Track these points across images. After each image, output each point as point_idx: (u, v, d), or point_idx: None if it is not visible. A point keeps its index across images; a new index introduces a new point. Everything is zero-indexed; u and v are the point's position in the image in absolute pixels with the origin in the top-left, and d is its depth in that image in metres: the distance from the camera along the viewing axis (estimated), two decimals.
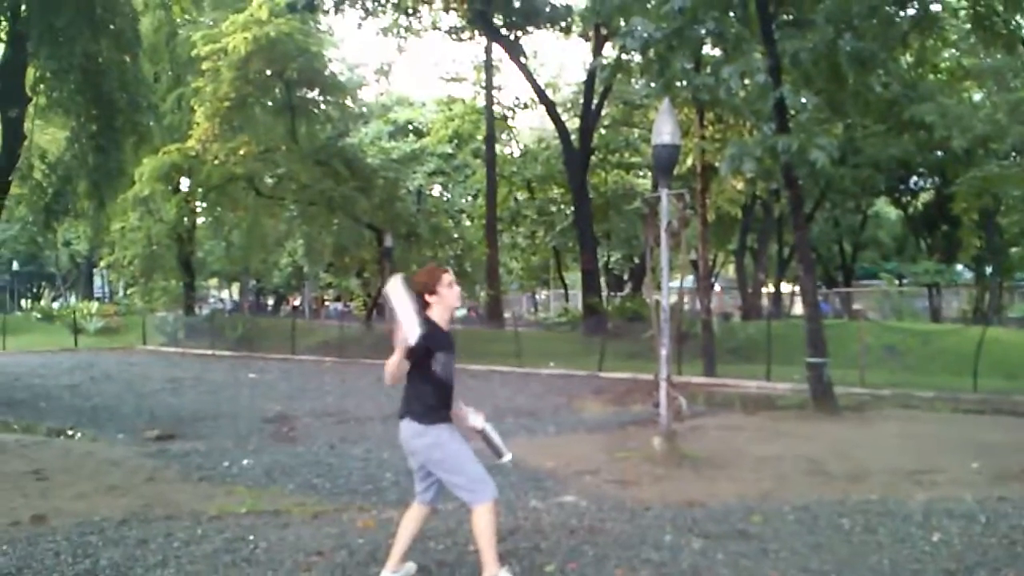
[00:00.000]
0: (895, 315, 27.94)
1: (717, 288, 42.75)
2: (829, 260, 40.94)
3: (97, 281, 54.51)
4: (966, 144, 21.20)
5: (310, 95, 29.88)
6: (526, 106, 39.27)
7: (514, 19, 29.78)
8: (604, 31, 25.35)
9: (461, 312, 42.17)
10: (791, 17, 13.15)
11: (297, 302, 56.12)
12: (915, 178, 32.84)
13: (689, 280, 29.29)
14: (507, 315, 34.61)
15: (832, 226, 37.86)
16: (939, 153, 26.46)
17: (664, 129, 9.34)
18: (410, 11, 30.06)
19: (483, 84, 35.67)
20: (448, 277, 4.62)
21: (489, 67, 33.95)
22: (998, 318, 27.00)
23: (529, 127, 43.91)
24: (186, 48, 28.79)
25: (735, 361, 19.40)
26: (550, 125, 33.06)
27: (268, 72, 26.99)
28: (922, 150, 25.80)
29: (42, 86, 16.41)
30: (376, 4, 28.86)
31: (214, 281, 54.91)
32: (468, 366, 19.39)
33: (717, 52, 14.09)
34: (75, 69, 15.78)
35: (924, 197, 35.21)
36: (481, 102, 37.29)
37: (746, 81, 11.60)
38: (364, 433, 11.01)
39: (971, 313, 30.33)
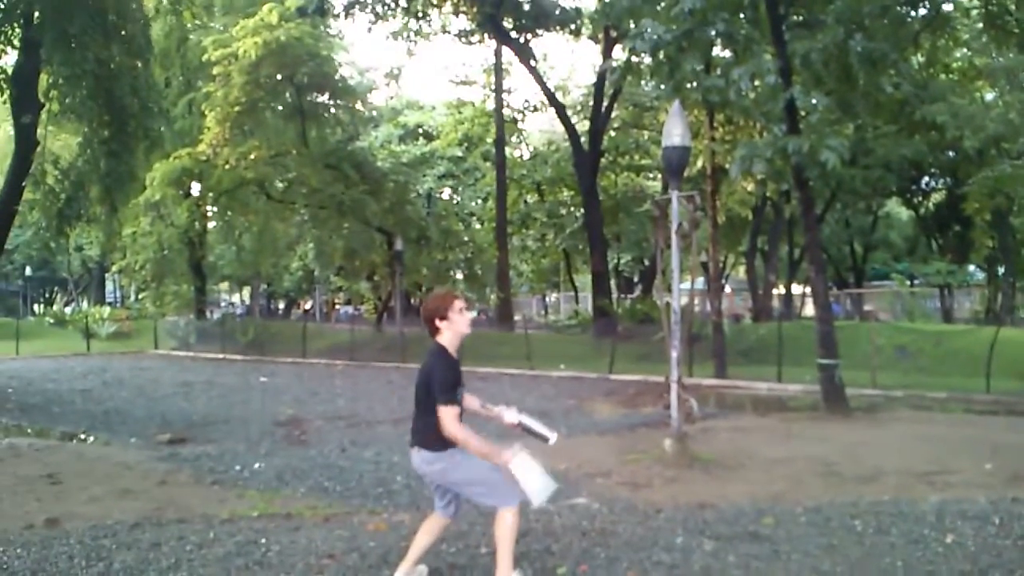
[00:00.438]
0: (907, 316, 27.85)
1: (728, 290, 42.66)
2: (840, 261, 40.80)
3: (109, 286, 54.82)
4: (978, 144, 21.12)
5: (320, 99, 29.97)
6: (536, 109, 39.28)
7: (524, 22, 29.78)
8: (614, 33, 25.35)
9: (471, 315, 42.17)
10: (801, 18, 13.13)
11: (308, 306, 56.26)
12: (927, 178, 32.70)
13: (700, 282, 29.25)
14: (517, 318, 34.60)
15: (843, 227, 37.74)
16: (951, 153, 26.33)
17: (674, 131, 9.33)
18: (420, 15, 30.10)
19: (493, 87, 35.68)
20: (460, 303, 4.62)
21: (499, 70, 33.97)
22: (1011, 318, 26.85)
23: (539, 130, 43.92)
24: (197, 53, 28.91)
25: (746, 363, 19.36)
26: (560, 128, 33.07)
27: (278, 76, 27.06)
28: (934, 150, 25.67)
29: (55, 92, 16.49)
30: (386, 8, 28.91)
31: (225, 285, 55.11)
32: (478, 368, 19.43)
33: (727, 54, 14.08)
34: (87, 75, 15.87)
35: (936, 197, 35.06)
36: (491, 105, 37.29)
37: (756, 82, 11.58)
38: (375, 436, 11.02)
39: (983, 314, 30.21)
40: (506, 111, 36.30)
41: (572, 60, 72.95)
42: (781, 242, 36.18)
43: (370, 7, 28.40)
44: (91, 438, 11.54)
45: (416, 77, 79.02)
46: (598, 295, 28.99)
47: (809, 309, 30.19)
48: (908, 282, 36.44)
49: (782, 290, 38.44)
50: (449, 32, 32.06)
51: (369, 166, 30.05)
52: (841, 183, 24.84)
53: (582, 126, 32.22)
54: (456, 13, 30.39)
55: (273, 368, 23.03)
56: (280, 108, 29.73)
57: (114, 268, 33.75)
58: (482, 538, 5.49)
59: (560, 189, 39.95)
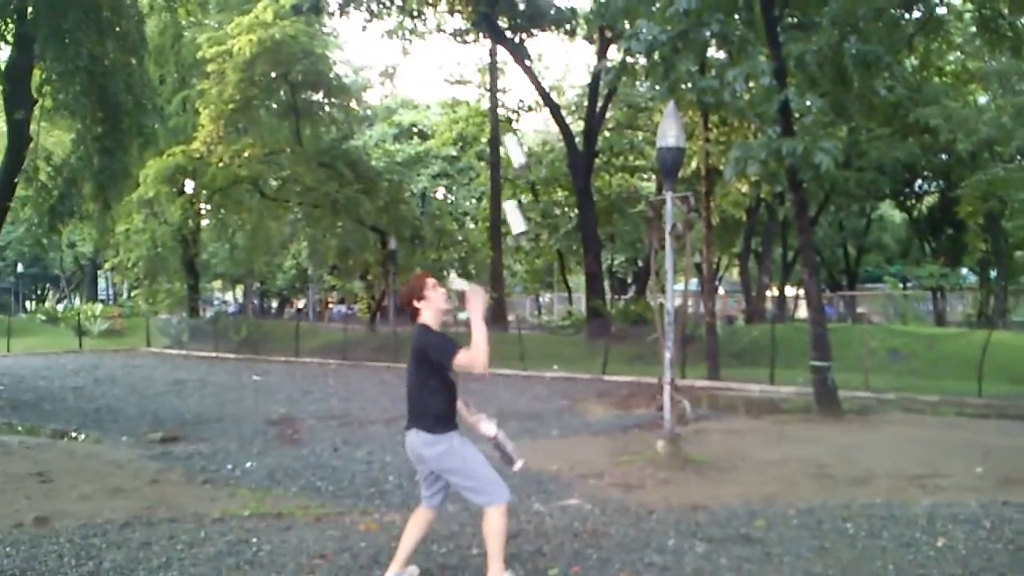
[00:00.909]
0: (899, 319, 27.94)
1: (721, 291, 42.70)
2: (833, 263, 40.89)
3: (101, 283, 54.70)
4: (971, 147, 21.20)
5: (315, 97, 29.91)
6: (530, 109, 39.27)
7: (519, 22, 29.77)
8: (609, 34, 25.34)
9: (464, 315, 42.20)
10: (796, 20, 13.15)
11: (301, 304, 56.19)
12: (920, 181, 32.81)
13: (693, 283, 29.28)
14: (511, 318, 34.58)
15: (837, 229, 37.81)
16: (944, 156, 26.44)
17: (669, 132, 9.33)
18: (415, 14, 30.04)
19: (488, 87, 35.67)
20: (431, 281, 4.69)
21: (494, 69, 33.95)
22: (1003, 322, 26.95)
23: (534, 130, 43.93)
24: (191, 50, 28.84)
25: (739, 365, 19.38)
26: (554, 128, 33.06)
27: (273, 74, 27.01)
28: (927, 153, 25.78)
29: (48, 88, 16.41)
30: (381, 6, 28.84)
31: (218, 283, 55.01)
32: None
33: (722, 55, 14.10)
34: (81, 71, 15.80)
35: (929, 200, 35.16)
36: (485, 104, 37.27)
37: (751, 84, 11.61)
38: (367, 436, 11.00)
39: (976, 317, 30.29)
40: (501, 111, 36.29)
41: (567, 60, 73.11)
42: (775, 244, 36.25)
43: (365, 5, 28.33)
44: (82, 436, 11.51)
45: (411, 76, 79.20)
46: (592, 296, 29.01)
47: (802, 311, 30.25)
48: (901, 285, 36.55)
49: (775, 292, 38.51)
50: (444, 31, 32.02)
51: (363, 165, 30.01)
52: (835, 185, 24.93)
53: (577, 126, 32.20)
54: (451, 12, 30.35)
55: (266, 367, 22.99)
56: (274, 106, 29.66)
57: (107, 265, 33.64)
58: (473, 539, 5.49)
59: (554, 189, 39.96)
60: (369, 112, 45.80)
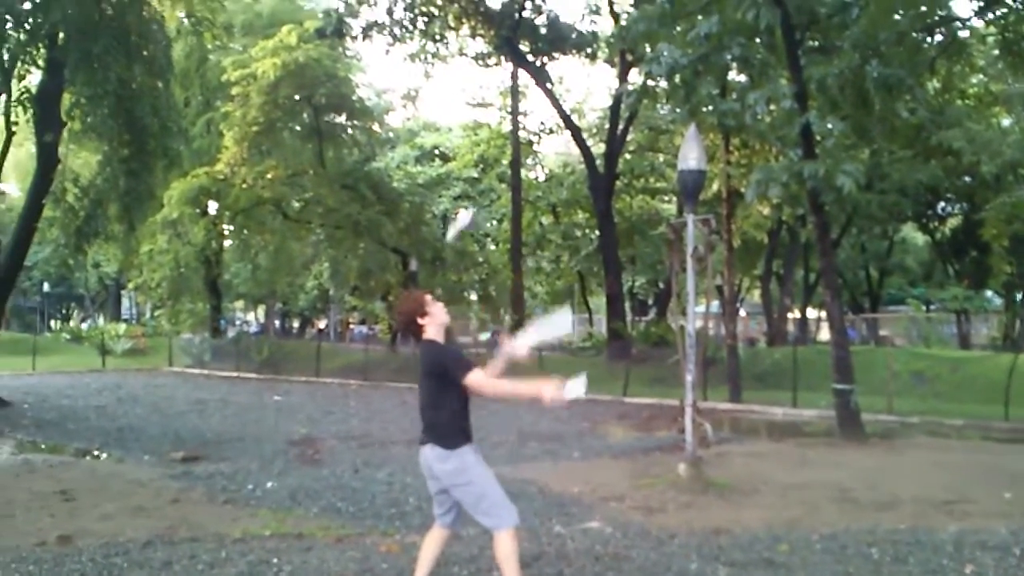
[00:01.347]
0: (923, 342, 27.65)
1: (743, 314, 42.51)
2: (856, 286, 40.61)
3: (125, 303, 55.17)
4: (995, 170, 21.04)
5: (337, 120, 30.18)
6: (551, 131, 39.35)
7: (540, 45, 29.90)
8: (630, 57, 25.42)
9: (485, 335, 42.19)
10: (817, 43, 13.16)
11: (323, 325, 56.40)
12: (943, 204, 32.57)
13: (715, 305, 29.14)
14: None
15: (859, 252, 37.59)
16: (967, 179, 26.25)
17: (690, 154, 9.34)
18: (437, 37, 30.25)
19: (509, 109, 35.81)
20: (428, 297, 4.68)
21: (515, 93, 34.10)
22: None
23: (554, 152, 44.00)
24: (216, 73, 29.22)
25: (761, 387, 19.26)
26: (575, 150, 33.10)
27: (296, 97, 27.30)
28: (950, 176, 25.60)
29: (77, 111, 16.67)
30: (404, 31, 29.06)
31: (240, 303, 55.32)
32: None
33: (743, 78, 14.11)
34: (109, 95, 16.05)
35: (952, 223, 34.91)
36: (507, 127, 37.42)
37: (772, 107, 11.60)
38: (388, 457, 11.01)
39: (1001, 340, 29.95)
40: (522, 133, 36.39)
41: (588, 83, 73.35)
42: (796, 266, 36.07)
43: (388, 30, 28.55)
44: (105, 455, 11.58)
45: (433, 99, 79.61)
46: (612, 317, 28.93)
47: (824, 334, 30.05)
48: (924, 307, 36.23)
49: (797, 314, 38.28)
50: (466, 55, 32.21)
51: (385, 187, 30.22)
52: (857, 208, 24.78)
53: (598, 149, 32.24)
54: (473, 36, 30.53)
55: (287, 387, 23.07)
56: (297, 128, 29.97)
57: (130, 285, 33.94)
58: (493, 561, 5.47)
59: (575, 211, 39.98)
60: (391, 134, 46.13)
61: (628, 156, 34.63)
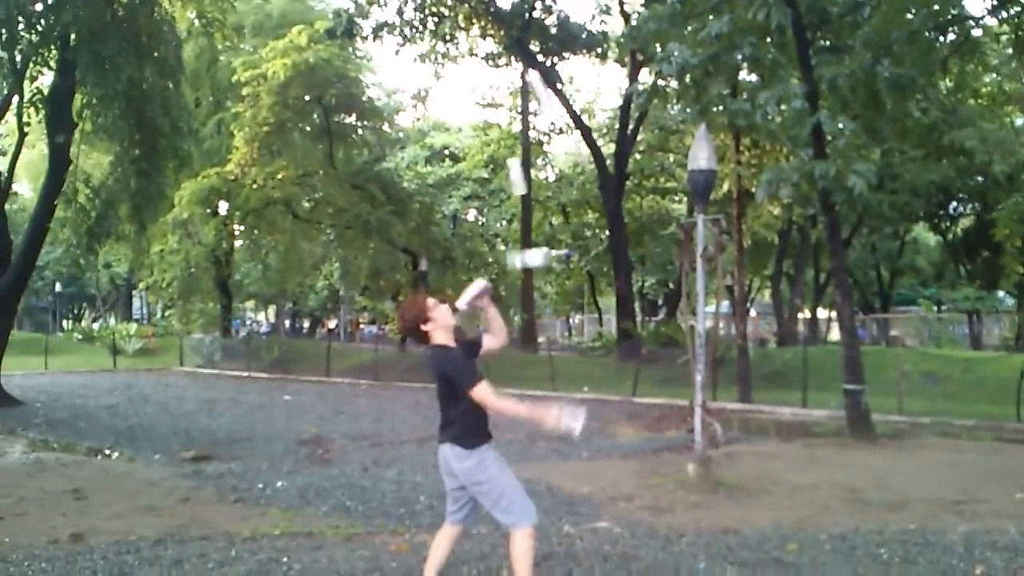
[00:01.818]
0: (934, 342, 27.54)
1: (753, 314, 42.41)
2: (866, 286, 40.48)
3: (136, 303, 55.40)
4: (1007, 169, 20.93)
5: (348, 120, 30.25)
6: (561, 131, 39.38)
7: (550, 45, 29.89)
8: (640, 57, 25.40)
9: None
10: (828, 43, 13.11)
11: (333, 325, 56.51)
12: (955, 204, 32.45)
13: (725, 305, 29.09)
14: (541, 339, 34.55)
15: (869, 252, 37.47)
16: (980, 179, 26.14)
17: (700, 154, 9.32)
18: (447, 38, 30.30)
19: (519, 109, 35.84)
20: (430, 302, 4.67)
21: (525, 93, 34.10)
22: None
23: (564, 152, 44.00)
24: (227, 74, 29.32)
25: (771, 387, 19.21)
26: (585, 150, 33.07)
27: (307, 98, 27.38)
28: (962, 175, 25.49)
29: (88, 112, 16.75)
30: (414, 31, 29.11)
31: (251, 303, 55.47)
32: (502, 390, 19.37)
33: (754, 78, 14.08)
34: (120, 95, 16.10)
35: (964, 223, 34.76)
36: (517, 127, 37.45)
37: (783, 107, 11.57)
38: (398, 456, 11.02)
39: (1013, 340, 29.81)
40: (532, 133, 36.43)
41: (598, 83, 73.23)
42: (807, 266, 35.98)
43: (398, 30, 28.61)
44: (116, 454, 11.64)
45: (443, 99, 79.67)
46: (622, 317, 28.91)
47: (835, 334, 29.94)
48: (935, 308, 36.09)
49: (808, 314, 38.18)
50: (476, 55, 32.26)
51: (395, 187, 30.27)
52: (868, 208, 24.72)
53: (608, 149, 32.24)
54: (483, 36, 30.56)
55: (297, 387, 23.13)
56: (308, 129, 30.05)
57: (141, 285, 34.10)
58: (504, 560, 5.48)
59: (585, 211, 40.00)
60: (401, 134, 46.17)
61: (638, 156, 34.61)
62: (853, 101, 12.13)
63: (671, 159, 35.64)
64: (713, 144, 9.70)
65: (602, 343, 33.30)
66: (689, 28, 12.29)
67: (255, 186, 26.59)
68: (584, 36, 29.97)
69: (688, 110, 13.31)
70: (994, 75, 24.23)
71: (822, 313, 39.59)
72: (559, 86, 30.80)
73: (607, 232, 32.27)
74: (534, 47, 29.59)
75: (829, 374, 16.40)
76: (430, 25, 29.10)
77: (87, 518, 7.06)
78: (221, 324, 33.33)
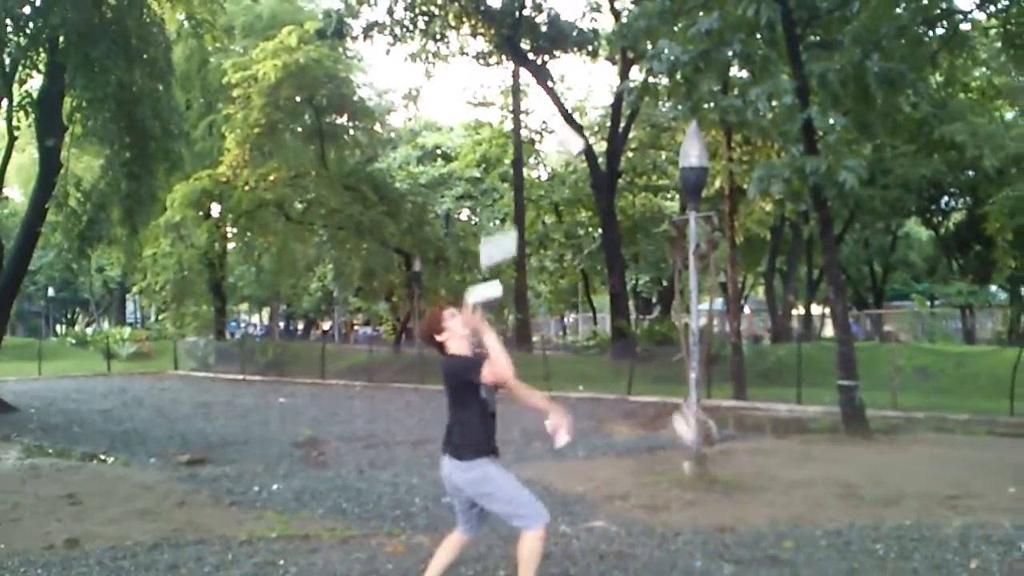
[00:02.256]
0: (927, 337, 27.62)
1: (747, 311, 42.48)
2: (859, 281, 40.56)
3: (129, 307, 55.25)
4: (998, 163, 21.00)
5: (339, 121, 30.23)
6: (553, 130, 39.39)
7: (541, 44, 29.90)
8: (631, 54, 25.42)
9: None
10: (818, 38, 13.14)
11: (327, 326, 56.45)
12: (946, 198, 32.53)
13: (718, 303, 29.12)
14: (535, 338, 34.56)
15: (862, 247, 37.54)
16: (970, 173, 26.20)
17: (691, 152, 9.34)
18: (438, 37, 30.27)
19: (510, 108, 35.85)
20: (447, 312, 4.65)
21: (516, 91, 34.12)
22: None
23: (556, 150, 44.02)
24: (217, 76, 29.23)
25: (765, 384, 19.24)
26: None
27: (298, 98, 27.36)
28: (953, 170, 25.56)
29: (78, 115, 16.71)
30: (404, 30, 29.09)
31: (245, 306, 55.36)
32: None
33: (744, 74, 14.10)
34: (110, 98, 16.07)
35: (956, 217, 34.84)
36: (508, 126, 37.46)
37: (774, 103, 11.58)
38: (393, 458, 11.02)
39: (1006, 335, 29.89)
40: (524, 132, 36.44)
41: (589, 81, 73.22)
42: (800, 262, 36.05)
43: (388, 29, 28.58)
44: (111, 458, 11.60)
45: (434, 98, 79.49)
46: (616, 316, 28.94)
47: (829, 330, 30.00)
48: (928, 303, 36.17)
49: (801, 311, 38.24)
50: (467, 54, 32.25)
51: (387, 187, 30.26)
52: (860, 203, 24.76)
53: (599, 147, 32.26)
54: (474, 35, 30.57)
55: (292, 389, 23.09)
56: (299, 130, 30.02)
57: (135, 289, 34.01)
58: (501, 560, 5.48)
59: (578, 210, 40.00)
60: (393, 135, 46.12)
61: (630, 154, 34.64)
62: (843, 96, 12.15)
63: (663, 156, 35.66)
64: (704, 141, 9.73)
65: (596, 342, 33.34)
66: (679, 25, 12.29)
67: (247, 188, 26.55)
68: (574, 34, 29.99)
69: (679, 107, 13.31)
70: (984, 69, 24.29)
71: (816, 309, 39.66)
72: (550, 84, 30.80)
73: (600, 230, 32.28)
74: (525, 45, 29.62)
75: (823, 370, 16.45)
76: (420, 24, 29.09)
77: (82, 523, 7.04)
78: (215, 327, 33.25)
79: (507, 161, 38.61)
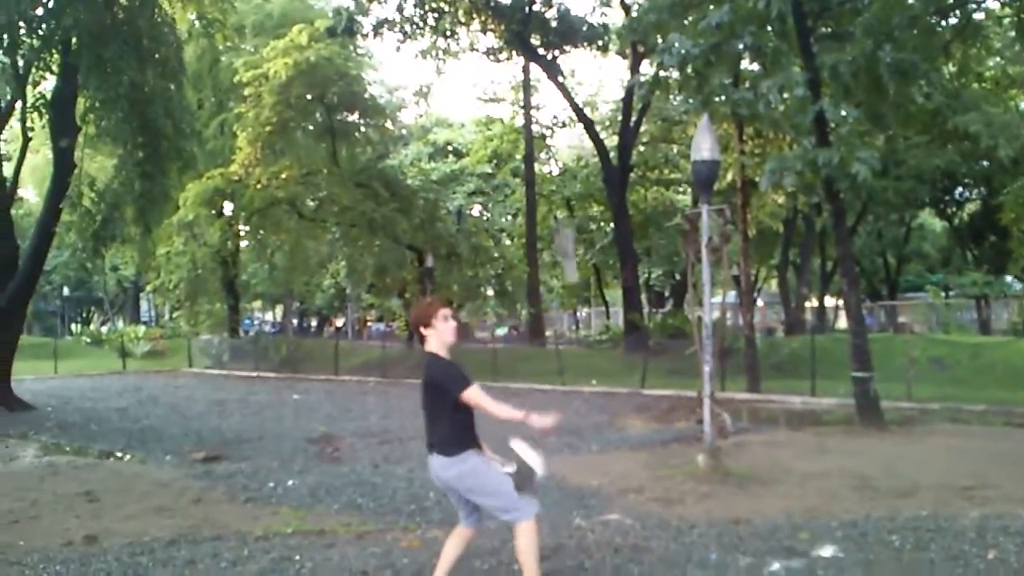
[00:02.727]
0: (942, 328, 27.46)
1: (760, 303, 42.35)
2: (873, 273, 40.39)
3: (144, 305, 55.48)
4: (1013, 153, 20.82)
5: (350, 118, 30.27)
6: (564, 125, 39.37)
7: (551, 39, 29.87)
8: (641, 48, 25.34)
9: (502, 331, 42.21)
10: (830, 30, 13.07)
11: (340, 323, 56.58)
12: (960, 189, 32.33)
13: (731, 296, 29.02)
14: (548, 333, 34.57)
15: (876, 239, 37.37)
16: (985, 163, 26.03)
17: (703, 145, 9.32)
18: (448, 33, 30.28)
19: (521, 104, 35.82)
20: (444, 312, 4.68)
21: (527, 87, 34.08)
22: None
23: (568, 145, 43.97)
24: (228, 74, 29.32)
25: (779, 376, 19.19)
26: (589, 143, 33.07)
27: (309, 97, 27.39)
28: (967, 160, 25.40)
29: (91, 116, 16.80)
30: (414, 27, 29.09)
31: (258, 303, 55.54)
32: (510, 384, 19.46)
33: (755, 67, 14.04)
34: (122, 98, 16.14)
35: (970, 208, 34.64)
36: (520, 122, 37.43)
37: (785, 95, 11.53)
38: (407, 453, 11.04)
39: (1022, 325, 29.72)
40: (535, 127, 36.40)
41: (600, 76, 73.05)
42: (813, 255, 35.92)
43: (399, 27, 28.58)
44: (128, 456, 11.67)
45: (445, 95, 79.46)
46: (629, 310, 28.90)
47: (842, 322, 29.89)
48: (943, 294, 35.99)
49: (815, 303, 38.12)
50: (477, 50, 32.25)
51: (399, 184, 30.28)
52: (873, 195, 24.64)
53: (611, 141, 32.21)
54: (484, 31, 30.56)
55: (306, 386, 23.16)
56: (311, 128, 30.07)
57: (148, 288, 34.17)
58: (513, 553, 5.49)
59: (590, 204, 39.95)
60: (404, 131, 46.17)
61: (642, 148, 34.55)
62: (855, 88, 12.09)
63: (675, 150, 35.57)
64: (716, 134, 9.69)
65: (609, 336, 33.32)
66: (689, 18, 12.27)
67: (259, 186, 26.62)
68: (584, 29, 29.92)
69: (690, 101, 13.26)
70: (998, 59, 24.11)
71: (829, 301, 39.53)
72: (561, 79, 30.76)
73: (612, 225, 32.23)
74: (535, 41, 29.58)
75: (837, 362, 16.38)
76: (430, 21, 29.08)
77: (100, 520, 7.09)
78: (229, 325, 33.38)
79: (518, 156, 38.60)
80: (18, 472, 10.02)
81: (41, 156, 32.76)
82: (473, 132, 45.42)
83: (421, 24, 29.02)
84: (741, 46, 11.68)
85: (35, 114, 17.49)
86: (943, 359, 18.00)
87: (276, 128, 26.74)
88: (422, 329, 4.62)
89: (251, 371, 28.11)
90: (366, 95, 30.15)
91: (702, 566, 5.34)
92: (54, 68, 17.15)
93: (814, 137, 12.12)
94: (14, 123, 18.41)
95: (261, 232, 29.49)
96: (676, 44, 11.28)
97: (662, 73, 13.10)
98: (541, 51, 29.98)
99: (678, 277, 38.68)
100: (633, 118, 29.18)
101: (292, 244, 30.25)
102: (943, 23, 13.78)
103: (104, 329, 44.10)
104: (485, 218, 46.35)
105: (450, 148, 46.52)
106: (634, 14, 19.57)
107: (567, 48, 30.67)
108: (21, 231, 23.13)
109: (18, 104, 17.48)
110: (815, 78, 11.69)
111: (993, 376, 16.62)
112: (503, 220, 46.72)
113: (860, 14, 11.74)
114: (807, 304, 36.91)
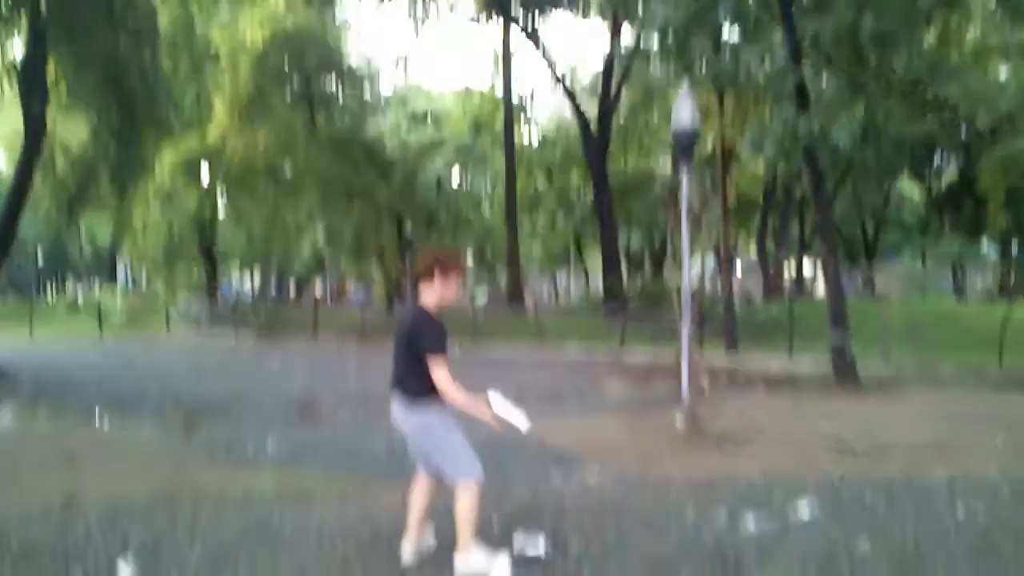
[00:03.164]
0: (919, 293, 27.76)
1: (739, 269, 42.58)
2: (852, 240, 40.68)
3: (121, 271, 55.10)
4: (991, 122, 20.95)
5: (328, 87, 30.00)
6: (544, 92, 39.19)
7: (531, 2, 29.66)
8: (622, 14, 25.22)
9: (482, 300, 42.26)
10: None
11: (319, 291, 56.38)
12: (938, 157, 32.54)
13: (711, 262, 29.15)
14: (528, 298, 34.63)
15: (855, 205, 37.59)
16: (963, 131, 26.16)
17: (683, 113, 9.31)
18: None
19: (501, 72, 35.60)
20: (455, 265, 4.49)
21: (507, 53, 33.86)
22: None
23: (548, 114, 43.80)
24: (204, 42, 28.92)
25: (757, 341, 19.34)
26: (569, 111, 32.97)
27: (286, 64, 27.12)
28: (946, 128, 25.50)
29: (63, 81, 16.55)
30: None
31: (236, 269, 55.24)
32: (490, 349, 19.50)
33: (736, 37, 14.01)
34: (95, 63, 15.91)
35: (948, 175, 34.88)
36: (499, 90, 37.22)
37: (766, 63, 11.53)
38: (386, 414, 10.95)
39: (997, 291, 30.08)
40: (515, 98, 36.22)
41: (581, 44, 72.58)
42: (792, 221, 36.10)
43: None
44: (106, 420, 11.62)
45: (424, 64, 78.67)
46: (608, 276, 29.00)
47: (821, 291, 30.13)
48: (920, 260, 36.32)
49: (793, 269, 38.37)
50: (456, 13, 31.99)
51: (377, 152, 30.13)
52: (852, 162, 24.73)
53: (592, 110, 32.13)
54: None
55: (285, 350, 23.12)
56: (288, 96, 29.77)
57: (126, 253, 33.92)
58: (493, 515, 5.54)
59: (570, 171, 39.88)
60: (383, 100, 45.82)
61: (622, 116, 34.48)
62: (836, 56, 12.09)
63: (655, 118, 35.51)
64: (696, 103, 9.68)
65: (588, 301, 33.45)
66: None
67: (237, 153, 26.40)
68: None
69: (671, 69, 13.23)
70: (978, 29, 24.13)
71: (808, 267, 39.83)
72: (541, 44, 30.58)
73: (592, 192, 32.24)
74: (515, 4, 29.36)
75: (815, 328, 16.52)
76: None
77: (79, 483, 7.07)
78: (207, 290, 33.22)
79: (498, 126, 38.40)
80: None
81: (14, 121, 32.29)
82: (452, 100, 45.15)
83: None
84: (722, 14, 11.64)
85: (5, 79, 17.21)
86: (919, 323, 18.20)
87: (253, 96, 26.49)
88: (428, 278, 4.42)
89: (230, 336, 28.02)
90: (344, 63, 29.89)
91: (680, 524, 5.41)
92: (22, 32, 16.87)
93: (795, 105, 12.14)
94: None
95: (239, 199, 29.30)
96: (657, 11, 11.24)
97: (643, 41, 13.06)
98: (521, 14, 29.76)
99: (657, 244, 38.80)
100: (614, 86, 29.08)
101: (270, 211, 30.07)
102: None
103: (80, 294, 43.80)
104: (464, 187, 46.24)
105: (429, 116, 46.24)
106: None
107: (548, 8, 30.43)
108: None
109: None
110: (796, 46, 11.68)
111: (968, 340, 16.84)
112: (482, 188, 46.59)
113: None
114: (786, 270, 37.15)
